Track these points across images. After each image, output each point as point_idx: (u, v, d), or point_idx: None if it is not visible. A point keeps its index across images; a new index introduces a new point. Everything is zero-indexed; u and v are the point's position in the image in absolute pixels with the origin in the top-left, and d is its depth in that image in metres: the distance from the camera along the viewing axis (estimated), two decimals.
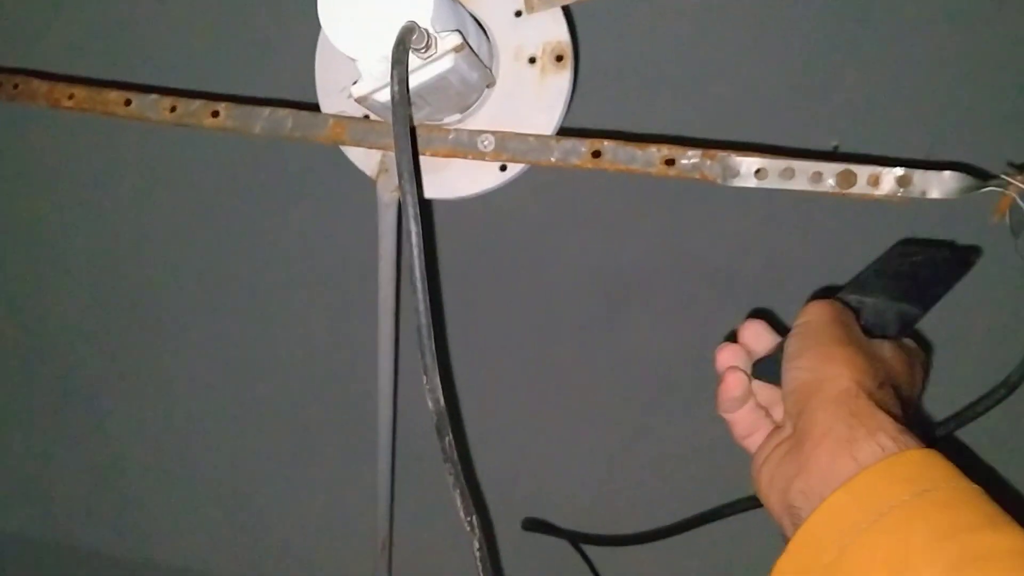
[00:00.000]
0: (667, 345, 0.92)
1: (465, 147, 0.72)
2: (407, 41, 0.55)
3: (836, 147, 0.87)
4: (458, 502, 0.54)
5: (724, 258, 0.90)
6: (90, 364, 1.05)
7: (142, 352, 1.03)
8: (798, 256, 0.87)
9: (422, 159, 0.74)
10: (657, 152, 0.70)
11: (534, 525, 1.02)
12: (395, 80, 0.53)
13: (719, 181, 0.70)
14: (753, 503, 0.80)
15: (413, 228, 0.50)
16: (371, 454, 0.87)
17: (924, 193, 0.67)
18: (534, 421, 0.98)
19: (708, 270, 0.90)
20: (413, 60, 0.59)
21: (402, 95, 0.52)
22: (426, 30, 0.58)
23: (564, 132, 0.74)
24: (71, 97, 0.78)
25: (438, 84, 0.62)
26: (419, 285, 0.50)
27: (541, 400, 0.97)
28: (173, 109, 0.76)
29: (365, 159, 0.75)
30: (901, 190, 0.67)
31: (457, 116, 0.73)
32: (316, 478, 1.03)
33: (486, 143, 0.71)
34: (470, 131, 0.72)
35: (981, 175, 0.67)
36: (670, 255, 0.91)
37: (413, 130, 0.56)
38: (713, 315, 0.91)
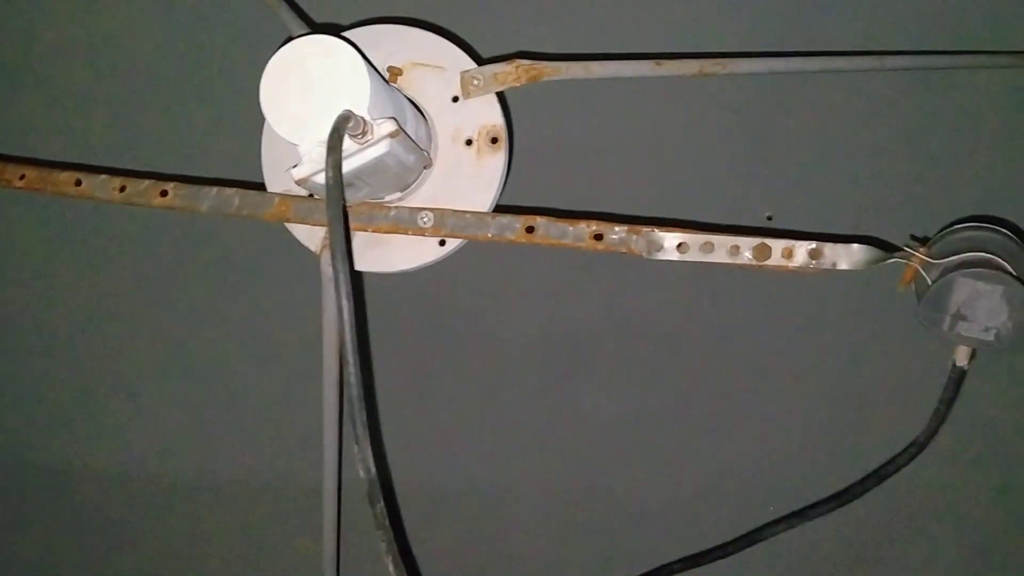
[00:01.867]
0: (615, 410, 0.95)
1: (405, 223, 0.76)
2: (342, 128, 0.58)
3: (770, 218, 0.91)
4: (391, 568, 0.56)
5: (668, 323, 0.93)
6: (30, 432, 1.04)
7: (89, 422, 1.03)
8: (741, 319, 0.91)
9: (365, 235, 0.77)
10: (586, 228, 0.74)
11: None
12: (330, 166, 0.56)
13: (644, 255, 0.74)
14: (688, 564, 0.82)
15: (345, 304, 0.53)
16: (317, 524, 0.87)
17: (835, 265, 0.71)
18: (484, 488, 0.99)
19: (653, 335, 0.93)
20: (351, 145, 0.63)
21: (336, 180, 0.56)
22: (362, 117, 0.62)
23: (500, 209, 0.78)
24: (22, 177, 0.80)
25: (375, 167, 0.65)
26: (350, 358, 0.52)
27: (491, 467, 0.99)
28: (122, 189, 0.79)
29: (309, 235, 0.78)
30: (813, 262, 0.72)
31: (398, 195, 0.77)
32: (261, 550, 1.03)
33: (425, 220, 0.75)
34: (410, 208, 0.76)
35: (887, 248, 0.72)
36: (614, 322, 0.94)
37: (346, 213, 0.60)
38: (660, 379, 0.94)
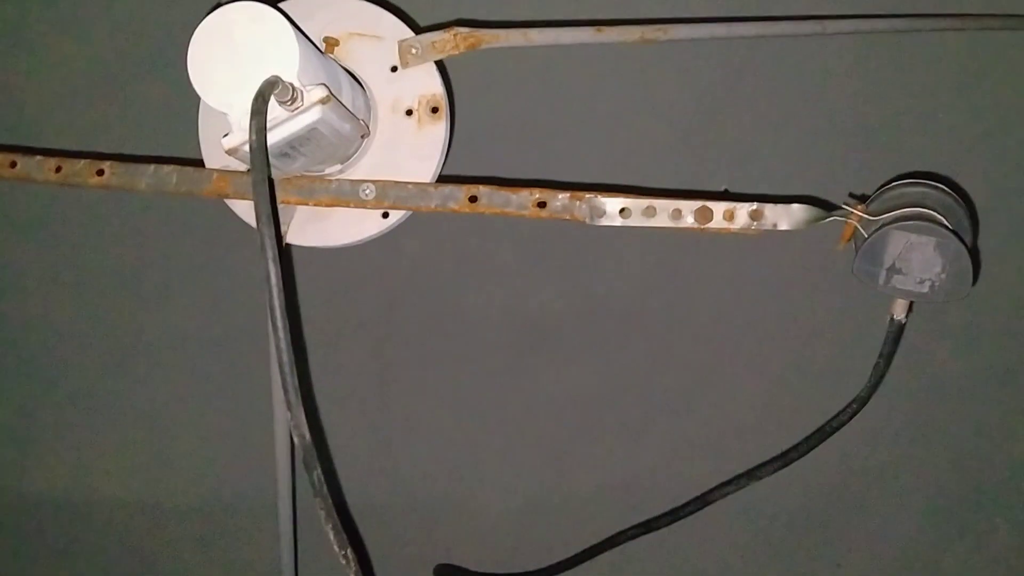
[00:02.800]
0: (578, 385, 0.95)
1: (347, 196, 0.75)
2: (267, 93, 0.58)
3: (726, 190, 0.92)
4: (331, 536, 0.56)
5: (628, 298, 0.93)
6: None
7: (37, 412, 1.02)
8: (701, 293, 0.91)
9: (307, 209, 0.77)
10: (529, 196, 0.74)
11: (446, 571, 1.02)
12: (253, 129, 0.55)
13: (587, 221, 0.74)
14: (642, 530, 0.83)
15: (271, 269, 0.52)
16: (271, 512, 0.87)
17: (775, 225, 0.71)
18: (443, 464, 0.99)
19: (614, 310, 0.94)
20: (281, 112, 0.62)
21: (260, 144, 0.55)
22: (291, 84, 0.61)
23: (443, 179, 0.77)
24: None
25: (309, 135, 0.65)
26: (279, 323, 0.52)
27: (449, 443, 0.99)
28: (58, 169, 0.77)
29: (249, 211, 0.76)
30: (754, 223, 0.72)
31: (338, 167, 0.76)
32: (219, 533, 1.02)
33: (367, 192, 0.75)
34: (351, 181, 0.75)
35: (827, 207, 0.73)
36: (576, 297, 0.94)
37: (272, 178, 0.59)
38: (622, 353, 0.94)
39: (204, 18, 0.64)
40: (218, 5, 0.65)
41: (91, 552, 1.02)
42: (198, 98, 0.69)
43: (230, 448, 0.99)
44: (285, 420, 0.81)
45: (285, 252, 0.78)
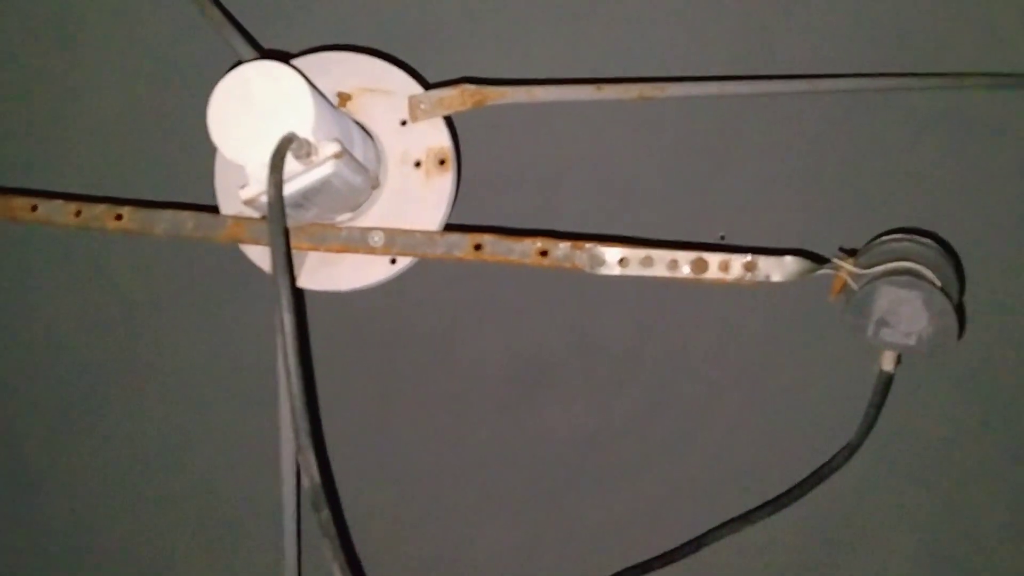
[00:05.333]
0: (576, 428, 0.96)
1: (357, 243, 0.78)
2: (284, 149, 0.61)
3: (723, 237, 0.94)
4: (337, 573, 0.57)
5: (626, 344, 0.95)
6: None
7: (46, 449, 1.03)
8: (697, 340, 0.93)
9: (317, 255, 0.80)
10: (532, 244, 0.77)
11: None
12: (271, 184, 0.58)
13: (587, 269, 0.77)
14: (637, 572, 0.84)
15: (286, 317, 0.55)
16: (278, 549, 0.88)
17: (768, 277, 0.74)
18: (443, 504, 1.00)
19: (612, 356, 0.96)
20: (296, 166, 0.65)
21: (277, 198, 0.58)
22: (306, 139, 0.64)
23: (449, 228, 0.80)
24: None
25: (322, 187, 0.68)
26: (292, 370, 0.54)
27: (450, 483, 1.00)
28: (78, 213, 0.81)
29: (262, 256, 0.79)
30: (748, 275, 0.75)
31: (348, 215, 0.79)
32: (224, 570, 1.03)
33: (376, 239, 0.78)
34: (361, 228, 0.78)
35: (818, 259, 0.75)
36: (575, 343, 0.96)
37: (287, 229, 0.62)
38: (619, 398, 0.96)
39: (224, 75, 0.68)
40: (238, 63, 0.68)
41: None
42: (214, 148, 0.73)
43: (237, 485, 1.00)
44: (291, 459, 0.83)
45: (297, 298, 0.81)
